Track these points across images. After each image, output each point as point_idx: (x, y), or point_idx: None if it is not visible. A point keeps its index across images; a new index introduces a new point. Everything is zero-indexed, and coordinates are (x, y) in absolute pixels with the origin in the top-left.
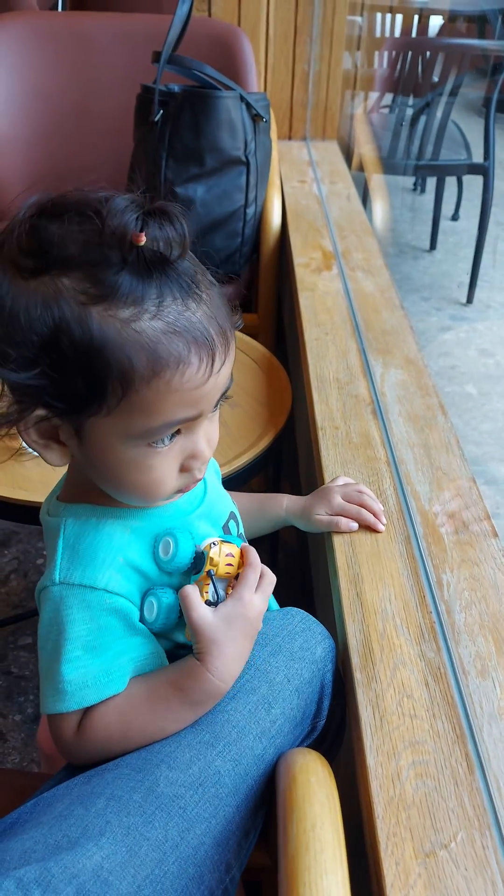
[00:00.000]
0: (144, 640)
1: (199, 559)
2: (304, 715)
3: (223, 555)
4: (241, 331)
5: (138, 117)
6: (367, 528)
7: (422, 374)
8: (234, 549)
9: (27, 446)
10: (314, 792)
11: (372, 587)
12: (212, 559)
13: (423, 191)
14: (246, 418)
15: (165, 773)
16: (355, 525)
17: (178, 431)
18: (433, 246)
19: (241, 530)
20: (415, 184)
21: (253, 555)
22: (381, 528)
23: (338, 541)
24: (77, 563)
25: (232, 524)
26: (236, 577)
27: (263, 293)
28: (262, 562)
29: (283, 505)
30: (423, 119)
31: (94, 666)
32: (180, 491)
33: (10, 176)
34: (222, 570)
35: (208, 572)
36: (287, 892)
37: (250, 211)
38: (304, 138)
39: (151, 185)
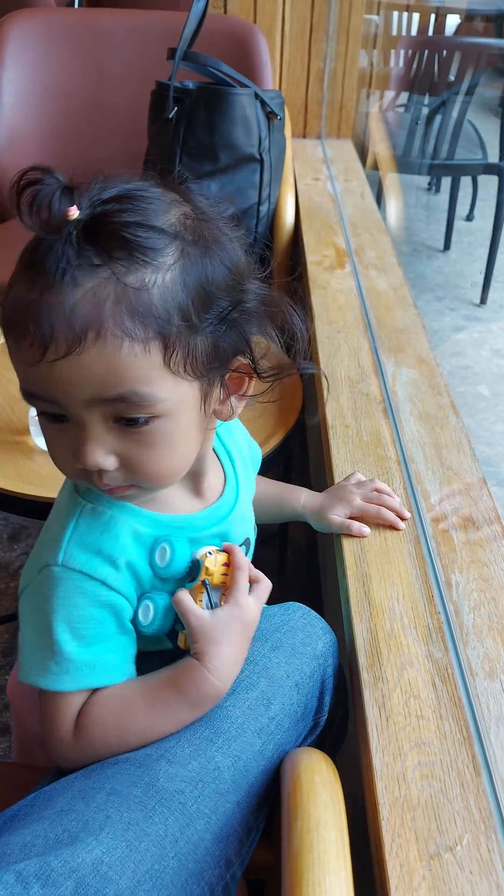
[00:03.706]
0: (129, 641)
1: (195, 567)
2: (306, 711)
3: (219, 564)
4: None
5: (153, 113)
6: (386, 526)
7: (434, 374)
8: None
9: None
10: (318, 792)
11: (380, 586)
12: (207, 568)
13: (437, 190)
14: (256, 416)
15: (165, 767)
16: (367, 530)
17: None
18: (447, 246)
19: (250, 557)
20: (429, 183)
21: (239, 558)
22: (402, 525)
23: (346, 540)
24: (81, 551)
25: (242, 550)
26: None
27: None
28: (272, 561)
29: (301, 500)
30: (438, 118)
31: (77, 655)
32: None
33: None
34: (217, 579)
35: (203, 581)
36: (290, 891)
37: (263, 208)
38: (319, 136)
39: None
